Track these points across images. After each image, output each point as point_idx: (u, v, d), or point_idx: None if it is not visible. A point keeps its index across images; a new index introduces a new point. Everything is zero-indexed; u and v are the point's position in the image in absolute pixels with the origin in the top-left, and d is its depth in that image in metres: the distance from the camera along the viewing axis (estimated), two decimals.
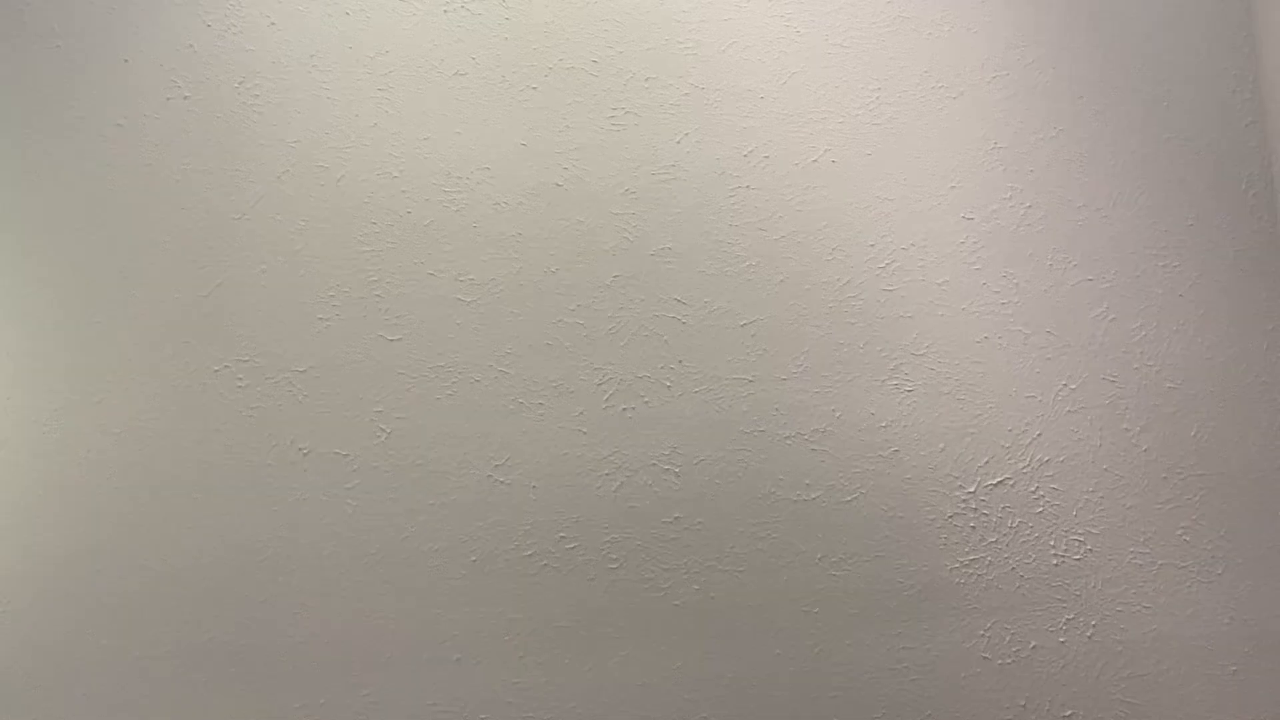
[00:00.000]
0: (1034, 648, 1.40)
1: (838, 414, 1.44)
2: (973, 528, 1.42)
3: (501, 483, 1.42)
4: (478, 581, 1.41)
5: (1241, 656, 1.41)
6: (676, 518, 1.42)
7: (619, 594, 1.41)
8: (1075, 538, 1.42)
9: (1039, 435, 1.44)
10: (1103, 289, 1.47)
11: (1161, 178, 1.48)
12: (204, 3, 1.50)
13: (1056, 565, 1.42)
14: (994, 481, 1.43)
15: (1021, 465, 1.43)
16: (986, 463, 1.43)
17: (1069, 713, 1.39)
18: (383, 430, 1.43)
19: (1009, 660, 1.40)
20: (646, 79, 1.49)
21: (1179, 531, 1.43)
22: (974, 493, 1.43)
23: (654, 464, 1.43)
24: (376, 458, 1.42)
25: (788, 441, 1.43)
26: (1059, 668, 1.40)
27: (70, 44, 1.49)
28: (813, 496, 1.42)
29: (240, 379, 1.43)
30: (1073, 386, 1.45)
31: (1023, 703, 1.39)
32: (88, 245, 1.46)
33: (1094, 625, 1.41)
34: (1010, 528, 1.42)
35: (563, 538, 1.41)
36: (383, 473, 1.42)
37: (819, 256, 1.47)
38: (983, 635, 1.40)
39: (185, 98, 1.48)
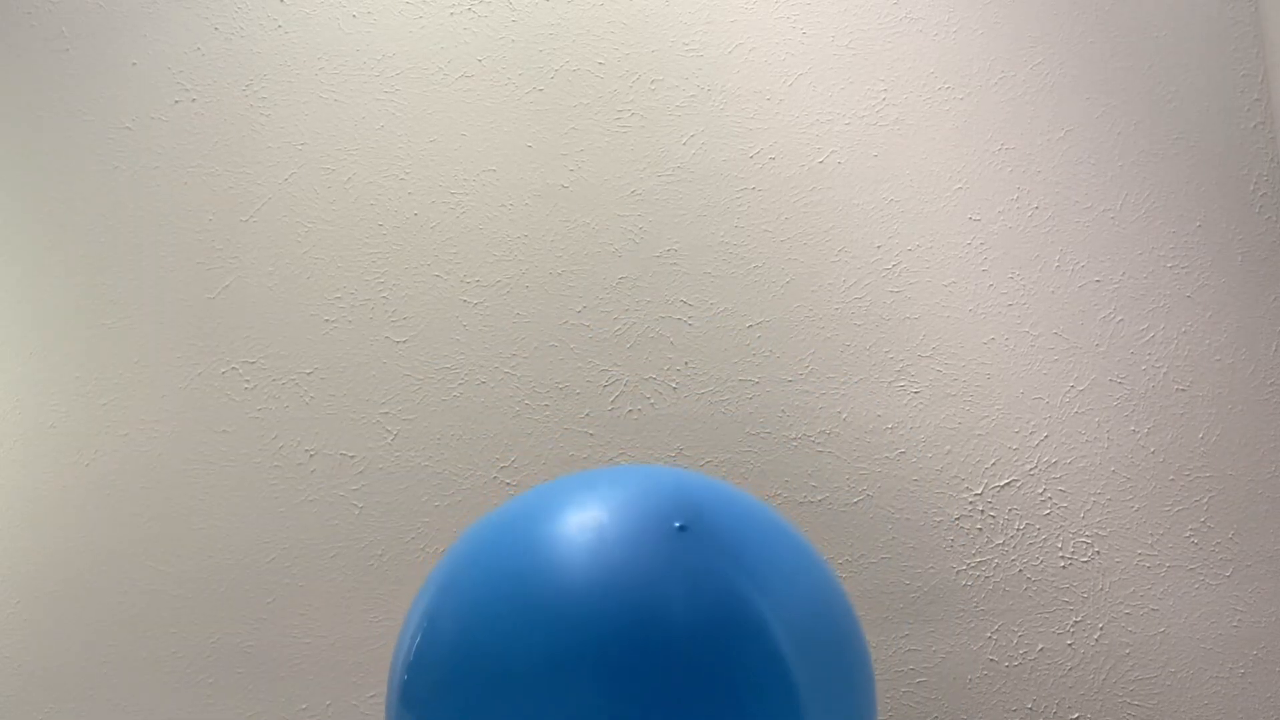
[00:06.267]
0: (1041, 650, 1.40)
1: (844, 416, 1.43)
2: (979, 530, 1.41)
3: (507, 484, 1.42)
4: None
5: (1250, 659, 1.40)
6: None
7: None
8: (1083, 540, 1.41)
9: (1046, 437, 1.43)
10: (1110, 290, 1.46)
11: (1169, 179, 1.48)
12: (211, 7, 1.51)
13: (1064, 567, 1.41)
14: (1001, 483, 1.42)
15: (1029, 467, 1.43)
16: (993, 464, 1.43)
17: (1076, 715, 1.38)
18: (389, 432, 1.43)
19: (1016, 662, 1.39)
20: (652, 81, 1.49)
21: (1187, 534, 1.42)
22: (981, 494, 1.42)
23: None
24: (383, 459, 1.43)
25: (793, 443, 1.43)
26: (1066, 670, 1.39)
27: (78, 48, 1.50)
28: (818, 498, 1.42)
29: (247, 381, 1.44)
30: (1080, 388, 1.44)
31: (1030, 705, 1.38)
32: (95, 247, 1.46)
33: (1101, 628, 1.40)
34: (1017, 530, 1.41)
35: None
36: (389, 474, 1.42)
37: (825, 258, 1.46)
38: (990, 638, 1.40)
39: (193, 100, 1.49)
